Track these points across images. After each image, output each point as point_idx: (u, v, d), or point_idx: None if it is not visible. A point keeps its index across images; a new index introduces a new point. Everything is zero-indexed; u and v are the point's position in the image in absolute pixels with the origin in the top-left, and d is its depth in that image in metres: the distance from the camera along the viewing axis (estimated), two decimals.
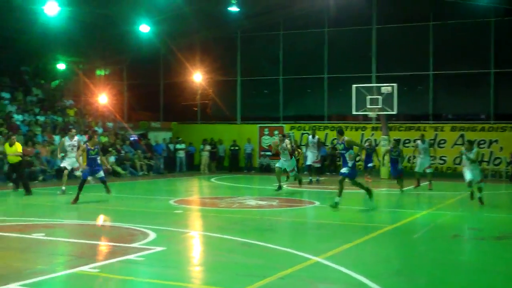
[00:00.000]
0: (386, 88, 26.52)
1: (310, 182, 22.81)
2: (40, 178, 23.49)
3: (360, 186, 15.04)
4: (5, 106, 27.93)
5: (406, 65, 29.71)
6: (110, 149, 27.83)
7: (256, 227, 11.75)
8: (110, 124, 32.46)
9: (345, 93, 28.42)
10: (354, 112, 27.47)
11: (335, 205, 14.22)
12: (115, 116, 34.36)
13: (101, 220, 12.90)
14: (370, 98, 26.63)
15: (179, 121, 35.18)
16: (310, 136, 23.96)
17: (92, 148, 15.89)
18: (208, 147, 31.52)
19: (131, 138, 31.77)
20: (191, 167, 32.20)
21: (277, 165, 19.49)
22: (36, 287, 6.73)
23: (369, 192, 15.07)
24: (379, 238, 10.61)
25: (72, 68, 34.97)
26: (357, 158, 15.45)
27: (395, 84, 26.48)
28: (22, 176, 18.66)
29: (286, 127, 31.67)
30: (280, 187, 18.92)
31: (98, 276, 7.24)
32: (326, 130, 31.10)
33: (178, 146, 31.79)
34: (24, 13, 25.31)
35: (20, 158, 18.42)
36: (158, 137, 33.06)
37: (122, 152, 28.79)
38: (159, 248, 8.89)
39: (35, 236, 10.16)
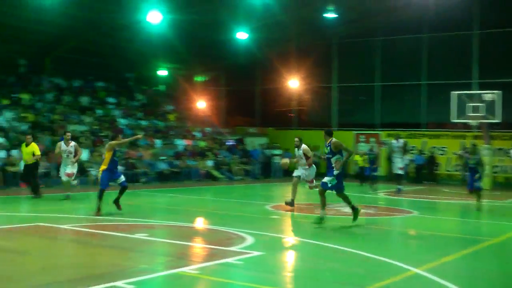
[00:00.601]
0: (489, 95, 25.48)
1: (398, 191, 21.42)
2: (143, 180, 24.41)
3: (347, 201, 12.66)
4: (111, 111, 29.24)
5: (510, 71, 28.46)
6: (207, 153, 28.50)
7: (353, 235, 11.64)
8: (208, 129, 33.19)
9: (443, 100, 27.60)
10: (453, 120, 26.61)
11: (319, 221, 12.35)
12: (213, 121, 35.12)
13: (199, 222, 13.21)
14: (472, 106, 25.70)
15: (274, 126, 35.44)
16: (394, 141, 22.16)
17: (118, 149, 14.75)
18: None
19: (228, 143, 32.35)
20: (287, 173, 32.26)
21: (294, 174, 16.12)
22: (140, 286, 6.94)
23: (354, 211, 12.62)
24: (481, 252, 10.21)
25: (173, 75, 36.09)
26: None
27: (499, 91, 25.43)
28: (34, 177, 17.62)
29: (383, 134, 31.16)
30: (292, 202, 15.50)
31: (198, 278, 7.41)
32: (423, 138, 30.32)
33: (274, 151, 32.03)
34: (130, 22, 26.46)
35: (34, 160, 17.33)
36: (254, 142, 33.46)
37: (220, 156, 29.37)
38: (257, 253, 8.98)
39: (138, 236, 10.53)
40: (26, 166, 17.72)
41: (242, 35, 29.40)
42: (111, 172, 13.54)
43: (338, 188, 12.43)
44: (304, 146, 15.52)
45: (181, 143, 29.38)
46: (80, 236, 10.52)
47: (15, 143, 21.84)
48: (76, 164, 17.01)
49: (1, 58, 27.39)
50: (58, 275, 7.49)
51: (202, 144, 29.90)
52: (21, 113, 24.36)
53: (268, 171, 31.34)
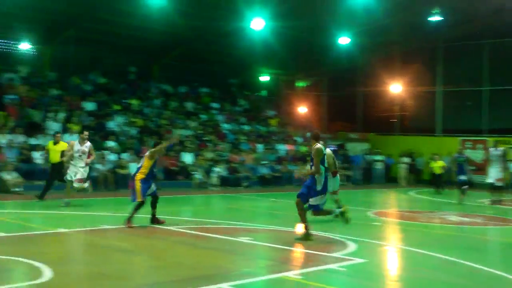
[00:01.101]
0: None
1: (496, 202, 19.20)
2: (245, 184, 24.81)
3: (326, 213, 11.14)
4: (214, 116, 29.96)
5: None
6: (308, 158, 28.47)
7: (460, 245, 11.25)
8: (310, 134, 33.15)
9: None
10: None
11: (304, 237, 10.54)
12: (314, 127, 35.09)
13: (300, 227, 13.24)
14: None
15: (376, 132, 34.89)
16: (492, 148, 19.74)
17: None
18: (406, 160, 30.82)
19: (330, 148, 32.15)
20: (389, 179, 31.72)
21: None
22: None
23: (342, 214, 11.45)
24: None
25: (275, 80, 36.43)
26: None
27: None
28: (56, 178, 16.65)
29: (490, 141, 29.84)
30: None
31: (301, 283, 7.43)
32: None
33: (375, 157, 31.55)
34: (234, 29, 27.03)
35: (60, 159, 16.25)
36: (356, 148, 33.09)
37: None
38: (359, 260, 8.89)
39: (240, 239, 10.71)
40: (53, 165, 16.63)
41: (344, 40, 29.24)
42: (147, 183, 12.06)
43: (317, 208, 10.66)
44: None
45: (283, 148, 29.59)
46: (186, 238, 10.83)
47: (126, 148, 22.91)
48: (87, 168, 15.59)
49: (113, 66, 28.84)
50: (165, 275, 7.76)
51: (303, 149, 29.95)
52: (130, 118, 25.48)
53: (370, 177, 30.92)
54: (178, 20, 25.22)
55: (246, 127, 30.41)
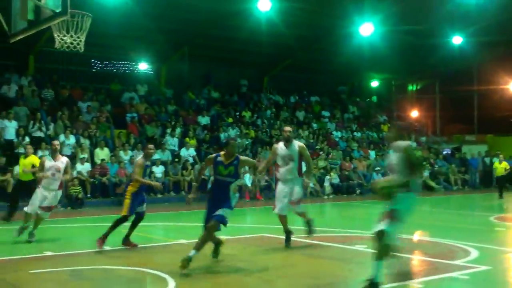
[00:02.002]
0: None
1: None
2: (358, 191, 24.63)
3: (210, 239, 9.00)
4: (326, 124, 30.00)
5: None
6: (424, 163, 27.82)
7: None
8: (423, 138, 32.39)
9: None
10: None
11: (185, 262, 8.28)
12: (428, 130, 34.20)
13: (418, 234, 12.99)
14: None
15: (494, 133, 33.38)
16: None
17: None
18: None
19: (445, 152, 31.25)
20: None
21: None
22: None
23: (216, 247, 9.50)
24: None
25: (385, 85, 35.92)
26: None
27: None
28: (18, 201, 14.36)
29: None
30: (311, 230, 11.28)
31: None
32: None
33: (494, 160, 30.17)
34: (339, 37, 27.01)
35: (31, 176, 13.28)
36: (473, 150, 31.85)
37: (436, 166, 28.52)
38: (483, 267, 8.60)
39: (356, 247, 10.67)
40: (21, 182, 14.43)
41: (457, 39, 28.34)
42: (138, 196, 10.68)
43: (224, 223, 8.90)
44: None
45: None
46: (302, 247, 10.95)
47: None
48: (60, 192, 11.49)
49: (225, 80, 29.72)
50: (285, 285, 7.91)
51: (418, 154, 29.24)
52: (243, 130, 26.08)
53: (489, 181, 29.59)
54: (285, 31, 25.58)
55: (358, 134, 30.19)
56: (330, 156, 26.85)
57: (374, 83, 36.10)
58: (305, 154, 10.77)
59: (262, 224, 14.86)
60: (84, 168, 19.84)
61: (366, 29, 25.50)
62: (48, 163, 11.18)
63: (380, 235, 7.01)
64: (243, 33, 25.65)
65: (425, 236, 12.81)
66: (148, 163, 10.98)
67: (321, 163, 25.62)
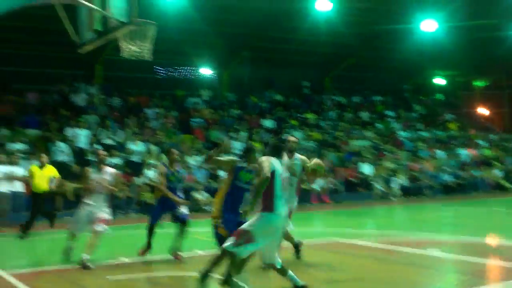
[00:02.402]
0: None
1: None
2: (427, 193, 24.17)
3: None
4: (390, 124, 29.55)
5: None
6: (494, 162, 27.05)
7: None
8: (493, 136, 31.45)
9: None
10: None
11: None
12: (498, 127, 33.20)
13: (492, 238, 12.63)
14: None
15: None
16: None
17: (174, 171, 9.96)
18: None
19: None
20: None
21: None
22: None
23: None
24: None
25: (451, 82, 35.12)
26: None
27: None
28: (39, 212, 13.71)
29: None
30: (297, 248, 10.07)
31: None
32: None
33: None
34: (402, 34, 26.59)
35: (47, 187, 13.56)
36: None
37: (509, 165, 27.64)
38: None
39: (430, 252, 10.45)
40: (36, 194, 13.60)
41: None
42: (164, 203, 9.92)
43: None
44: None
45: (464, 152, 28.30)
46: (374, 252, 10.81)
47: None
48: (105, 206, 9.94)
49: (287, 82, 29.73)
50: None
51: (487, 152, 28.45)
52: (307, 132, 26.00)
53: None
54: (345, 30, 25.37)
55: (424, 133, 29.57)
56: (396, 156, 26.43)
57: (439, 81, 35.32)
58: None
59: (331, 228, 14.78)
60: (153, 174, 20.21)
61: (429, 26, 24.98)
62: (93, 175, 9.77)
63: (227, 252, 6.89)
64: (303, 34, 25.59)
65: (500, 240, 12.44)
66: (174, 169, 10.07)
67: (388, 164, 25.25)
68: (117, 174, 10.22)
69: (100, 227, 9.43)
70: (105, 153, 10.43)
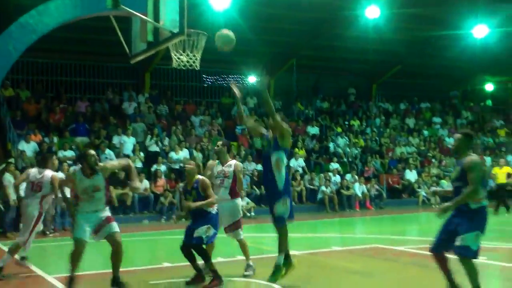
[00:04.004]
0: None
1: None
2: None
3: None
4: (437, 131, 29.19)
5: None
6: None
7: None
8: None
9: None
10: None
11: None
12: None
13: None
14: None
15: None
16: None
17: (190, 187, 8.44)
18: None
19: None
20: None
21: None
22: None
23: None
24: None
25: (501, 88, 34.43)
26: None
27: None
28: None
29: None
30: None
31: None
32: None
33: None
34: (451, 40, 26.26)
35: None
36: None
37: None
38: None
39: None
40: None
41: None
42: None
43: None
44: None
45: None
46: (417, 258, 10.75)
47: (349, 169, 23.41)
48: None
49: (333, 89, 29.73)
50: None
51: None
52: (353, 139, 25.94)
53: None
54: (393, 36, 25.24)
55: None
56: (443, 163, 26.08)
57: (489, 87, 34.63)
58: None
59: (374, 234, 14.75)
60: None
61: (480, 31, 24.60)
62: (217, 167, 9.22)
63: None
64: (350, 42, 25.57)
65: None
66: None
67: (434, 171, 24.94)
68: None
69: None
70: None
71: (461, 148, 6.90)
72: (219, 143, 9.30)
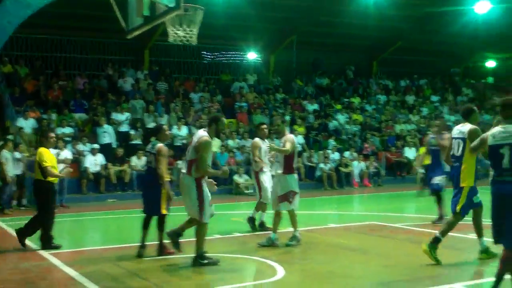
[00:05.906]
0: None
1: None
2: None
3: None
4: (437, 108, 29.12)
5: None
6: None
7: None
8: None
9: None
10: None
11: None
12: None
13: None
14: None
15: None
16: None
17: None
18: None
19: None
20: None
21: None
22: None
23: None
24: None
25: (502, 65, 34.24)
26: None
27: None
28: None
29: None
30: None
31: None
32: None
33: None
34: (452, 16, 26.03)
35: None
36: None
37: None
38: None
39: (471, 236, 10.13)
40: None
41: None
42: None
43: None
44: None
45: None
46: (413, 235, 10.78)
47: (348, 146, 23.37)
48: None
49: (333, 66, 29.57)
50: (395, 274, 7.86)
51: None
52: (352, 116, 25.85)
53: None
54: (394, 13, 25.02)
55: None
56: None
57: (490, 63, 34.46)
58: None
59: (371, 212, 14.77)
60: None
61: (482, 7, 24.34)
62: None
63: None
64: (351, 17, 25.37)
65: None
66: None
67: None
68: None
69: None
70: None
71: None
72: (278, 121, 9.99)
